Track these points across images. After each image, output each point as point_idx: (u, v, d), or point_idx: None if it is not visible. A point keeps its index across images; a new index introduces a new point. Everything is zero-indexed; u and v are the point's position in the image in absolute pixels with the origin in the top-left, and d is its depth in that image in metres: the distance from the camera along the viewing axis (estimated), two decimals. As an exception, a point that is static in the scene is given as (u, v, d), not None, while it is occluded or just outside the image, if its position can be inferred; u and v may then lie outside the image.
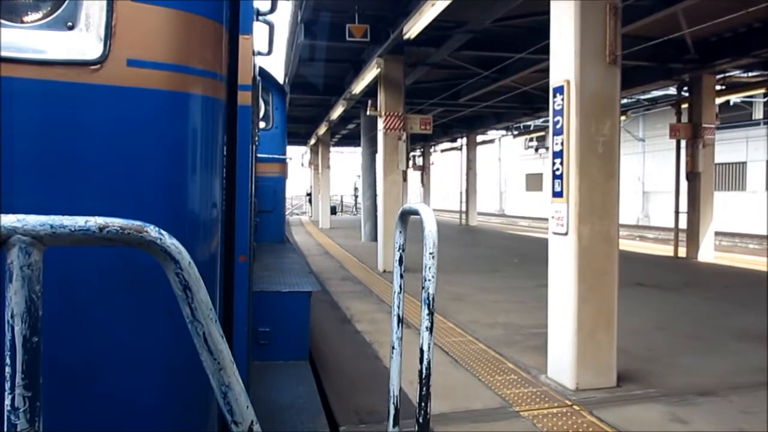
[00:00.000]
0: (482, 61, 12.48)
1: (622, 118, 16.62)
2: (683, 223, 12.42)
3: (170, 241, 0.81)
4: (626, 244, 16.10)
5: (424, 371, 1.57)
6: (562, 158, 4.44)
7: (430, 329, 1.57)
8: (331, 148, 26.13)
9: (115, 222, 0.78)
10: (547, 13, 4.72)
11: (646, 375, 4.65)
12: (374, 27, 9.61)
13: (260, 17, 2.60)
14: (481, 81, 14.00)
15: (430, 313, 1.55)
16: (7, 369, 0.72)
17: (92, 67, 1.37)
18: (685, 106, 12.47)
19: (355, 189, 40.38)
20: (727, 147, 23.32)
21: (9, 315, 0.72)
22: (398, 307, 1.83)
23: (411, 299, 6.37)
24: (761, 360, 4.97)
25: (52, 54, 1.35)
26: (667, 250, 13.80)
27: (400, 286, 1.84)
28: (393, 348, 1.84)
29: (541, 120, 25.20)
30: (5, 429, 0.72)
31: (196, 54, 1.53)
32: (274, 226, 7.74)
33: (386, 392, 1.83)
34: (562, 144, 4.44)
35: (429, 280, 1.54)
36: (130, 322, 1.43)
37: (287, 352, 4.28)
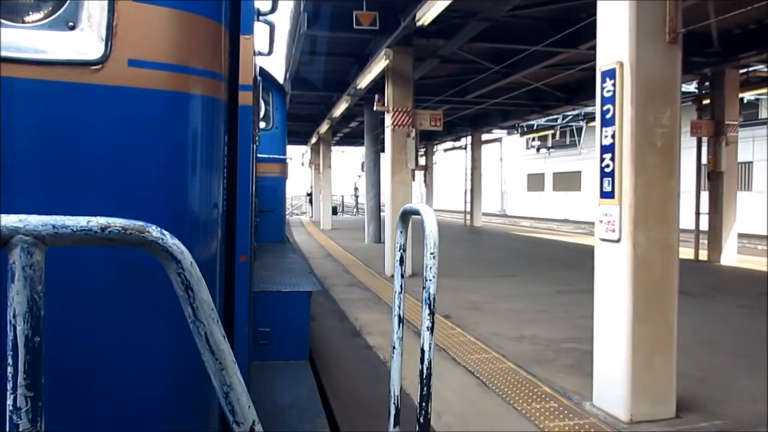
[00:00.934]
0: (493, 55, 12.13)
1: None
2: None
3: (172, 242, 0.81)
4: None
5: (425, 371, 1.57)
6: (613, 153, 3.86)
7: (431, 329, 1.57)
8: (332, 147, 25.99)
9: (117, 222, 0.78)
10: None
11: (706, 402, 4.14)
12: (382, 17, 9.17)
13: (261, 17, 2.60)
14: (490, 77, 13.69)
15: (431, 313, 1.56)
16: (9, 369, 0.72)
17: (93, 67, 1.37)
18: (706, 102, 11.97)
19: (356, 189, 40.36)
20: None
21: (11, 315, 0.72)
22: (399, 307, 1.84)
23: (418, 303, 6.07)
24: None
25: (53, 54, 1.35)
26: (684, 253, 13.26)
27: (401, 286, 1.84)
28: (393, 348, 1.84)
29: (544, 119, 25.13)
30: (7, 429, 0.72)
31: (197, 54, 1.54)
32: (274, 226, 7.75)
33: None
34: (613, 136, 3.86)
35: (430, 280, 1.55)
36: (132, 322, 1.44)
37: (287, 352, 4.28)
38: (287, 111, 9.47)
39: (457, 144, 27.41)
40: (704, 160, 11.99)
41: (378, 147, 17.93)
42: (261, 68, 4.59)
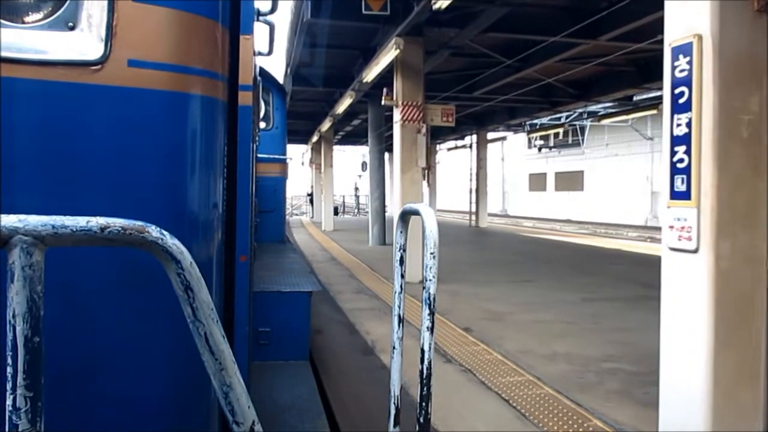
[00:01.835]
0: (505, 47, 11.77)
1: (653, 111, 15.34)
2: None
3: (172, 242, 0.81)
4: (657, 249, 14.90)
5: (425, 371, 1.58)
6: (688, 145, 3.30)
7: (431, 329, 1.58)
8: (334, 146, 25.72)
9: (116, 222, 0.78)
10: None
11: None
12: (393, 5, 8.71)
13: (261, 17, 2.60)
14: (500, 72, 13.23)
15: (431, 313, 1.57)
16: (9, 369, 0.72)
17: (93, 67, 1.38)
18: None
19: (356, 189, 40.36)
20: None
21: (10, 315, 0.72)
22: (399, 307, 1.85)
23: (419, 305, 5.74)
24: None
25: (53, 54, 1.35)
26: None
27: (401, 287, 1.85)
28: (393, 348, 1.85)
29: (548, 118, 24.91)
30: (7, 429, 0.72)
31: (197, 54, 1.54)
32: (274, 226, 7.75)
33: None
34: (688, 125, 3.30)
35: (430, 279, 1.56)
36: (131, 322, 1.44)
37: (287, 352, 4.28)
38: (287, 109, 9.43)
39: (462, 143, 27.13)
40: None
41: (382, 146, 17.71)
42: (261, 68, 4.59)
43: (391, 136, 19.83)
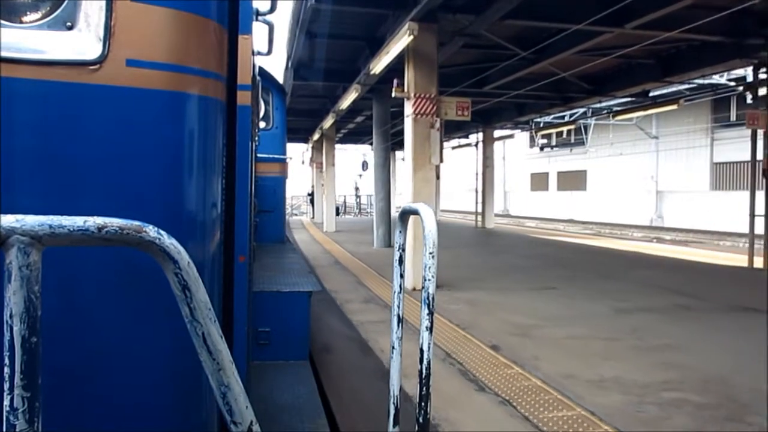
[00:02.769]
0: (521, 38, 11.07)
1: (674, 106, 14.70)
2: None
3: (169, 241, 0.81)
4: (672, 251, 14.46)
5: (424, 371, 1.58)
6: None
7: (430, 329, 1.58)
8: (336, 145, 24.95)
9: (113, 222, 0.78)
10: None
11: None
12: None
13: (260, 17, 2.61)
14: (513, 65, 12.53)
15: (430, 313, 1.57)
16: (6, 369, 0.72)
17: (91, 67, 1.38)
18: (762, 91, 11.07)
19: (356, 189, 40.29)
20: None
21: (8, 315, 0.72)
22: (398, 307, 1.85)
23: (438, 317, 5.21)
24: None
25: (51, 54, 1.35)
26: (737, 260, 11.94)
27: (400, 286, 1.86)
28: (393, 348, 1.85)
29: (551, 117, 24.58)
30: (4, 429, 0.72)
31: (196, 54, 1.54)
32: (274, 226, 7.75)
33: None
34: None
35: (429, 279, 1.56)
36: (129, 322, 1.44)
37: (287, 352, 4.29)
38: (287, 107, 9.36)
39: (467, 141, 26.62)
40: (759, 155, 11.17)
41: (388, 144, 17.16)
42: (260, 68, 4.59)
43: (396, 134, 19.57)
